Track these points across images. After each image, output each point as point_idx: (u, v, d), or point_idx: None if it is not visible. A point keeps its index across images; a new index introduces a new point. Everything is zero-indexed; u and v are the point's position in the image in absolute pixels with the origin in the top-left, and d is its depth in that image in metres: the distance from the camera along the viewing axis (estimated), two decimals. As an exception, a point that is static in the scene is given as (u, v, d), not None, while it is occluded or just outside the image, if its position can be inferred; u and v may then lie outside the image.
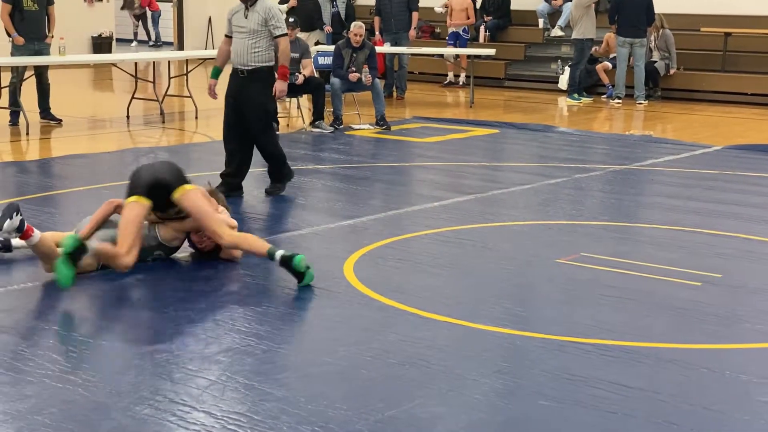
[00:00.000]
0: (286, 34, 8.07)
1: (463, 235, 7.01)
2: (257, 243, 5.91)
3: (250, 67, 7.99)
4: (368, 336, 4.89)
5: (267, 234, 6.99)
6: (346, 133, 11.97)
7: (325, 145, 11.02)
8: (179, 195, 5.89)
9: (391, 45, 15.31)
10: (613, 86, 15.68)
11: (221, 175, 8.20)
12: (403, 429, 3.86)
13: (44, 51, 11.98)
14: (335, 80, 12.34)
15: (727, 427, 3.95)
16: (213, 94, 8.26)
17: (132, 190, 5.89)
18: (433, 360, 4.57)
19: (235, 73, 8.10)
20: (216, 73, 8.29)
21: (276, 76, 8.05)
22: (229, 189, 8.09)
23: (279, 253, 5.71)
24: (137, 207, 5.82)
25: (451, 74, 17.39)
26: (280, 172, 8.29)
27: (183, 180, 5.98)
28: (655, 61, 15.74)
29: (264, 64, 8.01)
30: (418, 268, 6.15)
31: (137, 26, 26.61)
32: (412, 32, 15.72)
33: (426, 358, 4.58)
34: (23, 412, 3.93)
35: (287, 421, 3.90)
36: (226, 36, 8.20)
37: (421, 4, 15.89)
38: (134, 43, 26.38)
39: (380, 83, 12.73)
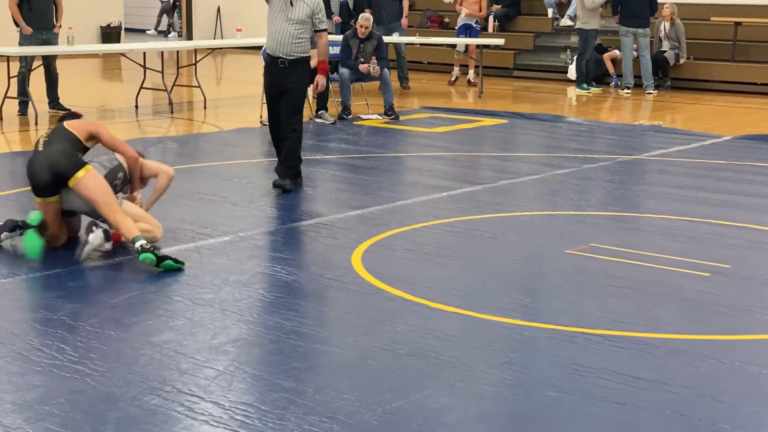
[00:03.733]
0: (326, 30, 8.06)
1: (471, 225, 7.00)
2: (130, 229, 5.94)
3: (292, 57, 7.92)
4: (376, 326, 4.88)
5: (275, 225, 6.99)
6: (355, 123, 11.96)
7: (333, 135, 11.00)
8: (73, 184, 6.06)
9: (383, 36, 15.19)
10: (619, 76, 15.67)
11: (276, 168, 8.14)
12: (411, 420, 3.85)
13: (52, 41, 11.97)
14: (344, 70, 12.32)
15: (737, 418, 3.94)
16: None
17: (36, 191, 6.16)
18: (441, 351, 4.56)
19: (275, 62, 7.97)
20: None
21: (317, 68, 8.07)
22: (293, 178, 8.05)
23: (139, 244, 5.79)
24: (50, 206, 6.13)
25: (456, 70, 16.74)
26: (289, 165, 8.01)
27: (76, 166, 6.08)
28: (665, 51, 15.69)
29: (305, 55, 7.99)
30: (427, 259, 6.14)
31: (170, 19, 26.64)
32: (404, 20, 15.60)
33: (434, 349, 4.57)
34: (31, 402, 3.93)
35: (295, 411, 3.89)
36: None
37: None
38: (172, 34, 26.47)
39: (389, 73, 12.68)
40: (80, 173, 6.04)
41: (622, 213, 7.56)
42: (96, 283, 5.64)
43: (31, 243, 5.90)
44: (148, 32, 26.07)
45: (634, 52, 15.38)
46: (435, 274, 5.82)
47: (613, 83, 15.88)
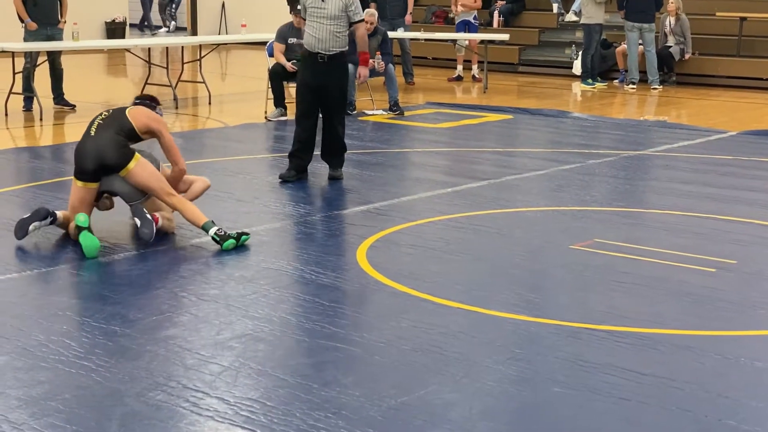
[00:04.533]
0: (363, 20, 8.23)
1: (476, 221, 6.99)
2: (196, 215, 6.21)
3: (332, 53, 8.05)
4: (381, 322, 4.88)
5: (279, 220, 6.99)
6: (359, 118, 11.95)
7: (338, 131, 10.98)
8: (126, 174, 6.21)
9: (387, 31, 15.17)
10: (624, 71, 15.65)
11: (290, 155, 8.27)
12: (416, 415, 3.85)
13: (57, 36, 11.99)
14: (349, 66, 12.29)
15: (742, 413, 3.93)
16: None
17: (80, 176, 6.23)
18: (446, 346, 4.56)
19: (313, 58, 8.08)
20: None
21: (358, 61, 8.29)
22: (299, 170, 8.22)
23: (213, 230, 6.11)
24: (89, 191, 6.25)
25: (460, 68, 16.50)
26: (342, 157, 8.38)
27: (126, 158, 6.19)
28: (670, 46, 15.66)
29: (343, 49, 8.13)
30: (431, 254, 6.14)
31: (170, 14, 26.59)
32: (408, 17, 15.60)
33: (439, 345, 4.58)
34: (36, 398, 3.94)
35: (300, 407, 3.89)
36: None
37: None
38: (164, 30, 26.39)
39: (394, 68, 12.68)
40: (131, 164, 6.17)
41: (626, 208, 7.55)
42: (101, 279, 5.64)
43: (90, 243, 5.87)
44: (159, 31, 26.04)
45: (640, 47, 15.35)
46: (440, 269, 5.82)
47: (620, 79, 15.83)
